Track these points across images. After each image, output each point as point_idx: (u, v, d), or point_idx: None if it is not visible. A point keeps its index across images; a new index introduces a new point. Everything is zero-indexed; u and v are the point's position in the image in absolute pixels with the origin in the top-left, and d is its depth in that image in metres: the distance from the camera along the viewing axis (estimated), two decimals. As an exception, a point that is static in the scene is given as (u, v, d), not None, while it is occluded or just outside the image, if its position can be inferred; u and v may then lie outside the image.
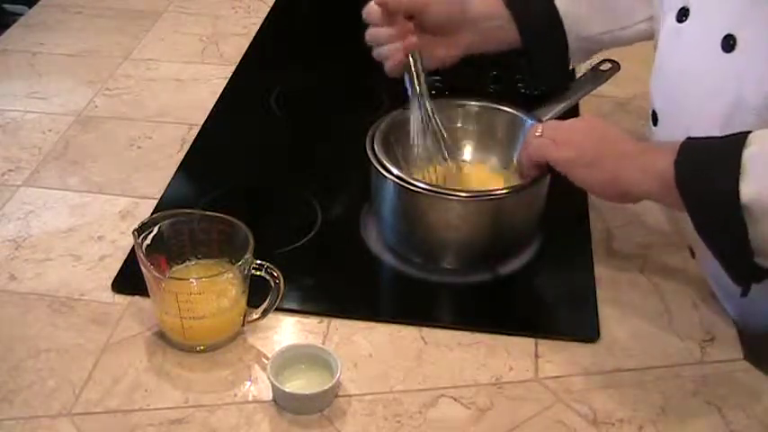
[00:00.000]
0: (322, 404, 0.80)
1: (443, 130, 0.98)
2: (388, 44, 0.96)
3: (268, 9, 1.56)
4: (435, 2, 0.98)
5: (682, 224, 0.99)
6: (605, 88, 1.07)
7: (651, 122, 0.95)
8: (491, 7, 1.02)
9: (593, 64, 1.06)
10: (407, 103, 0.99)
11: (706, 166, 0.78)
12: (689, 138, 0.80)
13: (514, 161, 1.02)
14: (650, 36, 1.02)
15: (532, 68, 1.05)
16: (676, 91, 0.91)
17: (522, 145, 0.93)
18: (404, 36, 0.96)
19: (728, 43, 0.83)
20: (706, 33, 0.86)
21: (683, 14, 0.89)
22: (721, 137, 0.79)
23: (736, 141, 0.76)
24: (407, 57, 0.96)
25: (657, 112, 0.94)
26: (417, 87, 0.97)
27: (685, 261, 0.99)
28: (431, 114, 0.98)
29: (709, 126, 0.82)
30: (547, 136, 0.89)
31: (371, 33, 0.97)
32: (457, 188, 0.97)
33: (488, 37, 1.02)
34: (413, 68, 0.97)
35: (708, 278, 0.96)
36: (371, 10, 0.96)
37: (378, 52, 0.98)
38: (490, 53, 1.04)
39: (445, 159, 0.98)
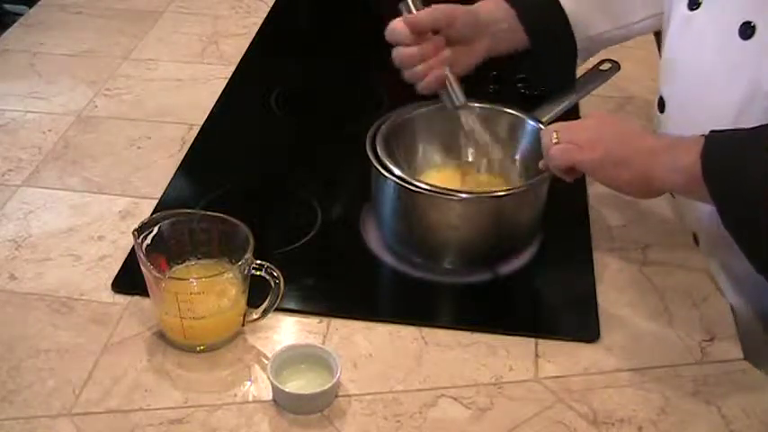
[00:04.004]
0: (322, 404, 0.80)
1: (489, 138, 0.99)
2: (421, 63, 0.94)
3: (268, 9, 1.56)
4: (459, 13, 0.97)
5: (685, 211, 0.99)
6: (605, 88, 1.07)
7: (658, 110, 0.95)
8: (498, 10, 1.02)
9: (593, 64, 1.07)
10: (408, 103, 0.99)
11: (733, 161, 0.78)
12: (713, 131, 0.80)
13: (517, 164, 1.02)
14: (653, 30, 1.03)
15: (541, 68, 1.05)
16: (687, 79, 0.91)
17: (544, 154, 0.91)
18: (437, 52, 0.94)
19: (746, 30, 0.83)
20: (721, 21, 0.86)
21: (694, 3, 0.89)
22: (746, 129, 0.79)
23: (763, 135, 0.76)
24: (443, 72, 0.95)
25: (665, 99, 0.94)
26: (458, 100, 0.97)
27: (686, 261, 0.99)
28: (479, 124, 0.98)
29: (722, 113, 0.82)
30: (565, 140, 0.88)
31: (402, 54, 0.95)
32: (457, 188, 0.98)
33: (500, 40, 1.01)
34: (449, 81, 0.96)
35: (712, 264, 0.96)
36: (398, 29, 0.94)
37: (412, 72, 0.95)
38: (502, 56, 1.04)
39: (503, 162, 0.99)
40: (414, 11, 0.93)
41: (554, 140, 0.88)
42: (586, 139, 0.87)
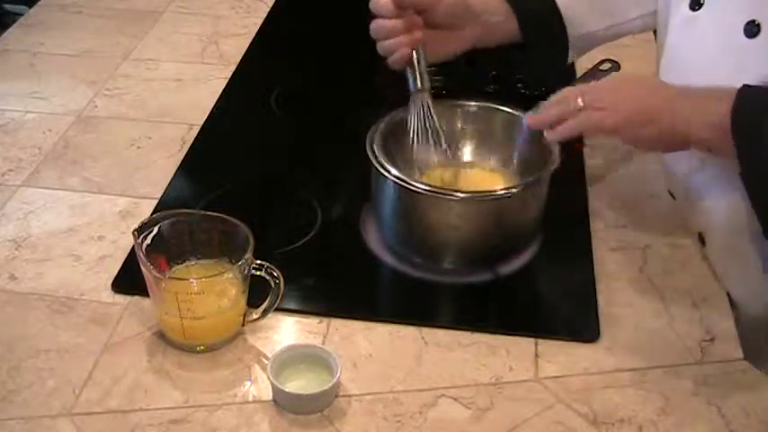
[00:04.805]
0: (322, 404, 0.80)
1: (442, 127, 0.98)
2: (393, 37, 0.95)
3: (268, 9, 1.56)
4: None
5: (692, 211, 0.99)
6: (605, 88, 1.06)
7: None
8: (492, 1, 1.02)
9: (593, 64, 1.06)
10: (408, 103, 0.99)
11: (763, 115, 0.78)
12: (746, 85, 0.80)
13: (514, 161, 1.02)
14: (645, 30, 1.03)
15: (533, 63, 1.05)
16: (690, 79, 0.91)
17: (559, 114, 0.89)
18: (410, 30, 0.95)
19: (752, 29, 0.83)
20: (724, 21, 0.86)
21: (695, 3, 0.89)
22: None
23: None
24: (412, 51, 0.95)
25: None
26: (420, 83, 0.97)
27: (686, 260, 0.99)
28: (431, 110, 0.97)
29: None
30: (590, 105, 0.87)
31: (378, 25, 0.95)
32: (457, 188, 0.98)
33: (491, 31, 1.02)
34: (416, 63, 0.96)
35: (719, 264, 0.96)
36: (381, 2, 0.94)
37: (382, 45, 0.96)
38: (493, 47, 1.04)
39: (446, 155, 0.98)
40: None
41: (579, 103, 0.87)
42: (611, 102, 0.87)
